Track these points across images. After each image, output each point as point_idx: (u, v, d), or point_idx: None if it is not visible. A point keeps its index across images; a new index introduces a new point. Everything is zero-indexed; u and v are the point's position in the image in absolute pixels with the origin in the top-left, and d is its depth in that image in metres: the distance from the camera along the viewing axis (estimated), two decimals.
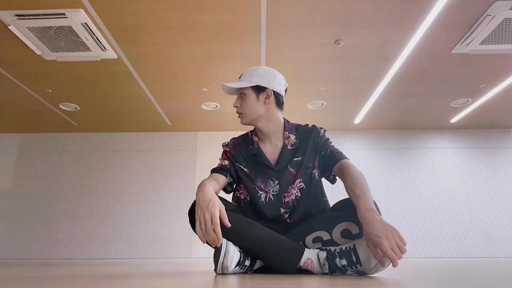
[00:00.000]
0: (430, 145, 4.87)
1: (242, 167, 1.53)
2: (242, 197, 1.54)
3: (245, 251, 1.32)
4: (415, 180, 4.73)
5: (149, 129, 4.86)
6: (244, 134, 1.64)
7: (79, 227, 4.60)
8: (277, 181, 1.48)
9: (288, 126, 1.55)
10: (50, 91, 3.71)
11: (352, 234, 1.30)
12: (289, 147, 1.50)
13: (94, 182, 4.77)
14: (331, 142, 1.54)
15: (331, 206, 1.49)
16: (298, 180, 1.48)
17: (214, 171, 1.52)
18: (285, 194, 1.47)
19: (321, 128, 1.56)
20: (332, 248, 1.27)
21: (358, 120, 4.57)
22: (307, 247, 1.32)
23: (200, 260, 3.70)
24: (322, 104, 4.11)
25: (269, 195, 1.48)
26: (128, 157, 4.88)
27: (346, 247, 1.25)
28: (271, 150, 1.53)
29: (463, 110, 4.27)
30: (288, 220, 1.47)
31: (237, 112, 1.52)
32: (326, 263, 1.24)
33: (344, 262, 1.22)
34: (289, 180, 1.48)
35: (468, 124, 4.71)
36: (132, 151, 4.91)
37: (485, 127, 4.84)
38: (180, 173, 4.80)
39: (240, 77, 1.53)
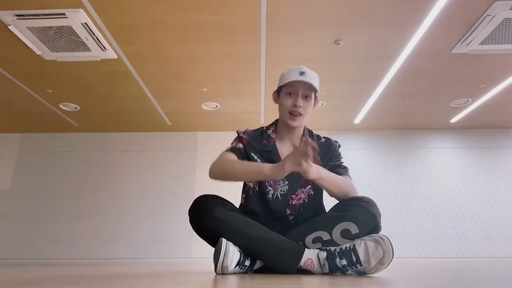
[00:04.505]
0: (430, 145, 4.87)
1: (255, 158, 1.50)
2: (251, 185, 1.52)
3: (245, 251, 1.32)
4: (415, 180, 4.73)
5: (149, 129, 4.86)
6: (259, 128, 1.61)
7: (79, 227, 4.60)
8: (287, 182, 1.48)
9: (307, 130, 1.58)
10: (50, 91, 3.71)
11: (352, 234, 1.30)
12: None
13: (94, 182, 4.77)
14: (342, 157, 1.58)
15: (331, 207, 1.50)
16: (309, 186, 1.50)
17: (231, 150, 1.50)
18: (293, 196, 1.48)
19: (336, 141, 1.61)
20: (332, 248, 1.27)
21: (358, 120, 4.57)
22: (307, 247, 1.32)
23: (200, 260, 3.71)
24: (322, 104, 4.11)
25: (277, 193, 1.48)
26: (128, 157, 4.88)
27: (346, 247, 1.25)
28: (287, 150, 1.51)
29: (463, 110, 4.27)
30: (291, 221, 1.48)
31: (297, 112, 1.45)
32: (326, 263, 1.24)
33: (344, 262, 1.22)
34: (299, 184, 1.49)
35: (468, 124, 4.71)
36: (132, 151, 4.91)
37: (485, 127, 4.84)
38: (180, 173, 4.80)
39: (304, 74, 1.44)
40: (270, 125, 1.59)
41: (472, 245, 4.45)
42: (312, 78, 1.47)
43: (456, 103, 4.08)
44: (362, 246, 1.22)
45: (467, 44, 2.89)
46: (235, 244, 1.29)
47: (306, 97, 1.48)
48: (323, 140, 1.61)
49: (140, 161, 4.86)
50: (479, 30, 2.70)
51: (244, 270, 1.33)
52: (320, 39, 2.89)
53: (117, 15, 2.56)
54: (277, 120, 1.60)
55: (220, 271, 1.25)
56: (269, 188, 1.48)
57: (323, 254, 1.26)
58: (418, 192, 4.68)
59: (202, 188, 4.68)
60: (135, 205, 4.69)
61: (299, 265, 1.27)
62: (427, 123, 4.72)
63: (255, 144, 1.52)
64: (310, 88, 1.46)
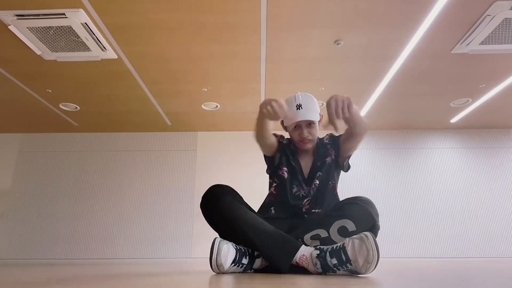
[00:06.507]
0: (430, 145, 4.87)
1: (284, 166, 1.67)
2: (281, 173, 1.66)
3: (245, 241, 1.34)
4: (415, 180, 4.73)
5: (149, 129, 4.86)
6: (285, 138, 1.77)
7: (79, 227, 4.60)
8: (307, 188, 1.63)
9: (319, 143, 1.71)
10: (50, 91, 3.71)
11: (349, 231, 1.32)
12: (318, 157, 1.67)
13: (94, 182, 4.77)
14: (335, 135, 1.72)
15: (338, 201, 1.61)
16: (318, 173, 1.63)
17: None
18: (311, 189, 1.62)
19: (327, 134, 1.76)
20: (325, 247, 1.27)
21: None
22: (306, 245, 1.33)
23: (200, 260, 3.70)
24: (322, 104, 4.11)
25: (301, 192, 1.62)
26: (128, 157, 4.88)
27: (336, 246, 1.25)
28: (305, 164, 1.67)
29: (463, 110, 4.27)
30: (307, 206, 1.58)
31: (307, 139, 1.60)
32: (318, 262, 1.24)
33: (334, 261, 1.22)
34: (314, 177, 1.63)
35: (468, 124, 4.71)
36: (132, 151, 4.91)
37: (485, 127, 4.84)
38: (180, 173, 4.80)
39: (300, 107, 1.57)
40: (289, 140, 1.74)
41: (472, 245, 4.45)
42: (309, 108, 1.58)
43: (456, 103, 4.08)
44: (350, 245, 1.21)
45: (467, 44, 2.89)
46: (236, 233, 1.34)
47: (310, 124, 1.60)
48: (324, 142, 1.74)
49: (140, 161, 4.86)
50: (479, 30, 2.70)
51: (242, 269, 1.33)
52: (320, 39, 2.89)
53: (117, 15, 2.56)
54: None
55: (216, 269, 1.27)
56: (294, 185, 1.63)
57: (316, 253, 1.26)
58: (418, 192, 4.68)
59: (202, 188, 4.68)
60: (134, 205, 4.69)
61: (295, 261, 1.27)
62: (427, 123, 4.71)
63: (288, 153, 1.69)
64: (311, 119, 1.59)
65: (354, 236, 1.24)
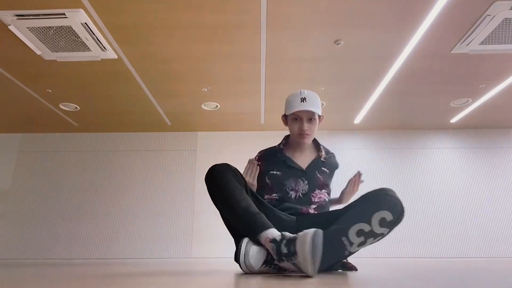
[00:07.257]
0: (430, 145, 4.87)
1: (275, 172, 1.68)
2: (272, 197, 1.68)
3: (231, 214, 1.38)
4: (415, 180, 4.73)
5: (149, 129, 4.86)
6: (271, 147, 1.81)
7: (79, 227, 4.60)
8: (306, 181, 1.65)
9: (320, 144, 1.79)
10: (50, 91, 3.71)
11: (387, 221, 1.33)
12: (322, 159, 1.73)
13: (94, 182, 4.78)
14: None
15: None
16: (325, 190, 1.68)
17: None
18: (313, 194, 1.64)
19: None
20: (287, 235, 1.23)
21: (358, 120, 4.57)
22: (352, 242, 1.30)
23: (200, 260, 3.70)
24: (322, 104, 4.11)
25: (299, 194, 1.64)
26: (128, 157, 4.88)
27: (293, 237, 1.20)
28: (301, 158, 1.72)
29: (463, 110, 4.27)
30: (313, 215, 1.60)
31: (305, 133, 1.65)
32: (274, 246, 1.22)
33: (285, 250, 1.18)
34: (318, 184, 1.67)
35: (468, 124, 4.71)
36: (132, 151, 4.91)
37: (485, 127, 4.84)
38: (180, 173, 4.80)
39: (305, 100, 1.62)
40: (281, 141, 1.79)
41: (472, 245, 4.45)
42: (313, 102, 1.63)
43: (456, 103, 4.08)
44: (300, 239, 1.16)
45: (467, 44, 2.89)
46: (225, 205, 1.38)
47: (310, 119, 1.64)
48: (331, 154, 1.83)
49: (140, 161, 4.86)
50: (479, 30, 2.70)
51: (276, 270, 1.30)
52: (320, 39, 2.89)
53: (117, 15, 2.56)
54: (288, 135, 1.79)
55: (247, 270, 1.27)
56: (291, 192, 1.64)
57: (278, 238, 1.23)
58: (418, 192, 4.68)
59: (202, 188, 4.69)
60: (135, 205, 4.69)
61: (261, 240, 1.27)
62: (427, 123, 4.72)
63: (270, 159, 1.73)
64: (312, 113, 1.64)
65: (307, 230, 1.18)
